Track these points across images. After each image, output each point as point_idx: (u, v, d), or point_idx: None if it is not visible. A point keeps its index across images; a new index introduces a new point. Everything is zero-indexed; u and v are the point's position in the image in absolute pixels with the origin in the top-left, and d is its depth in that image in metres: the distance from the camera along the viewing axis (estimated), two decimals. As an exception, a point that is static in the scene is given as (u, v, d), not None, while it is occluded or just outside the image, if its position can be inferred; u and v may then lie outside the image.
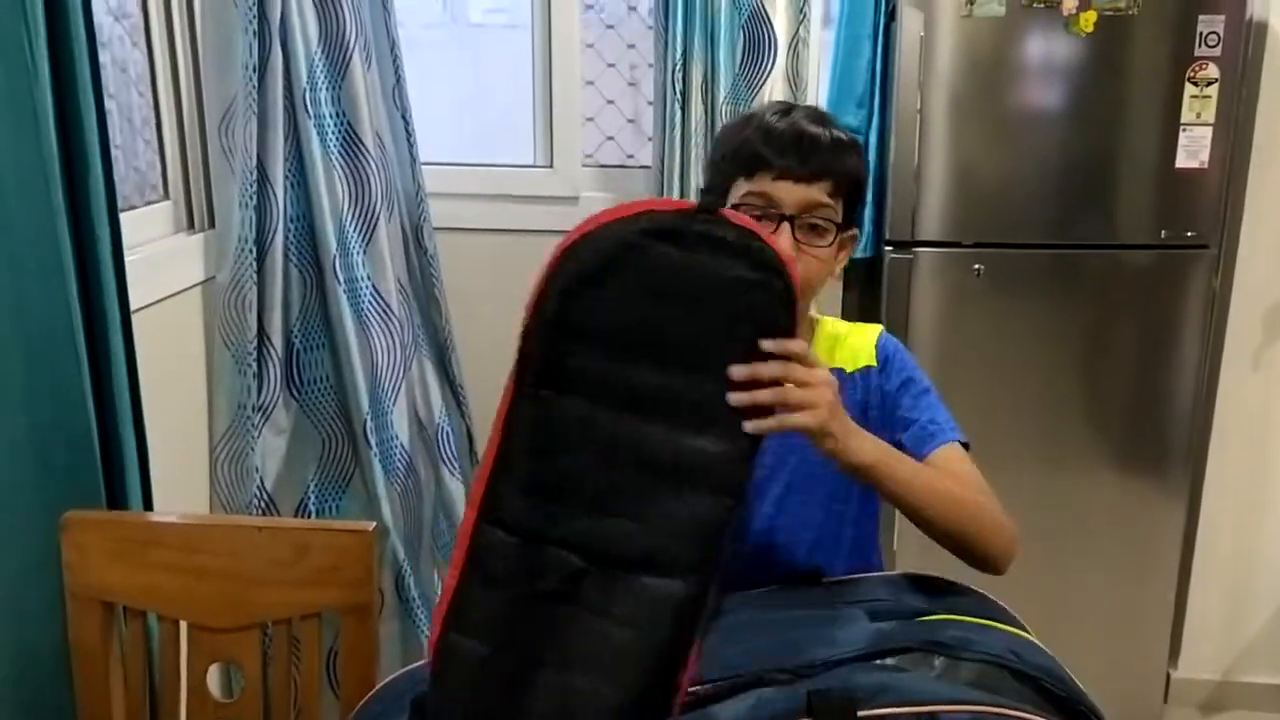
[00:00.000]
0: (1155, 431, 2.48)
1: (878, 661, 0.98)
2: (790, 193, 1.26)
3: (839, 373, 1.34)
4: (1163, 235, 2.36)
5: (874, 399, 1.35)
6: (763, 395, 0.93)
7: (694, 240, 0.93)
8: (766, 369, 0.93)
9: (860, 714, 0.87)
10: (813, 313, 1.44)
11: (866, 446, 1.11)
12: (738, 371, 0.93)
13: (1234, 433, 2.60)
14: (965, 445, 1.33)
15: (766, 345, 0.94)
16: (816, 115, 1.33)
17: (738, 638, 1.03)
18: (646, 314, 0.94)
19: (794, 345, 0.96)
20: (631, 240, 0.93)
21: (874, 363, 1.37)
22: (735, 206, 1.28)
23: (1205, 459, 2.61)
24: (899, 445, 1.27)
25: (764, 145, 1.28)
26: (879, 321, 2.15)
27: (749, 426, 0.93)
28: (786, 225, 1.25)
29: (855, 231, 1.35)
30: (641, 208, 0.95)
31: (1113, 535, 2.52)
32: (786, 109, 1.33)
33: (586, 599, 0.93)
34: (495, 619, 0.95)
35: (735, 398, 0.93)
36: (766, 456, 1.30)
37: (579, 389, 0.95)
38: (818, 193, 1.26)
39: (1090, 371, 2.47)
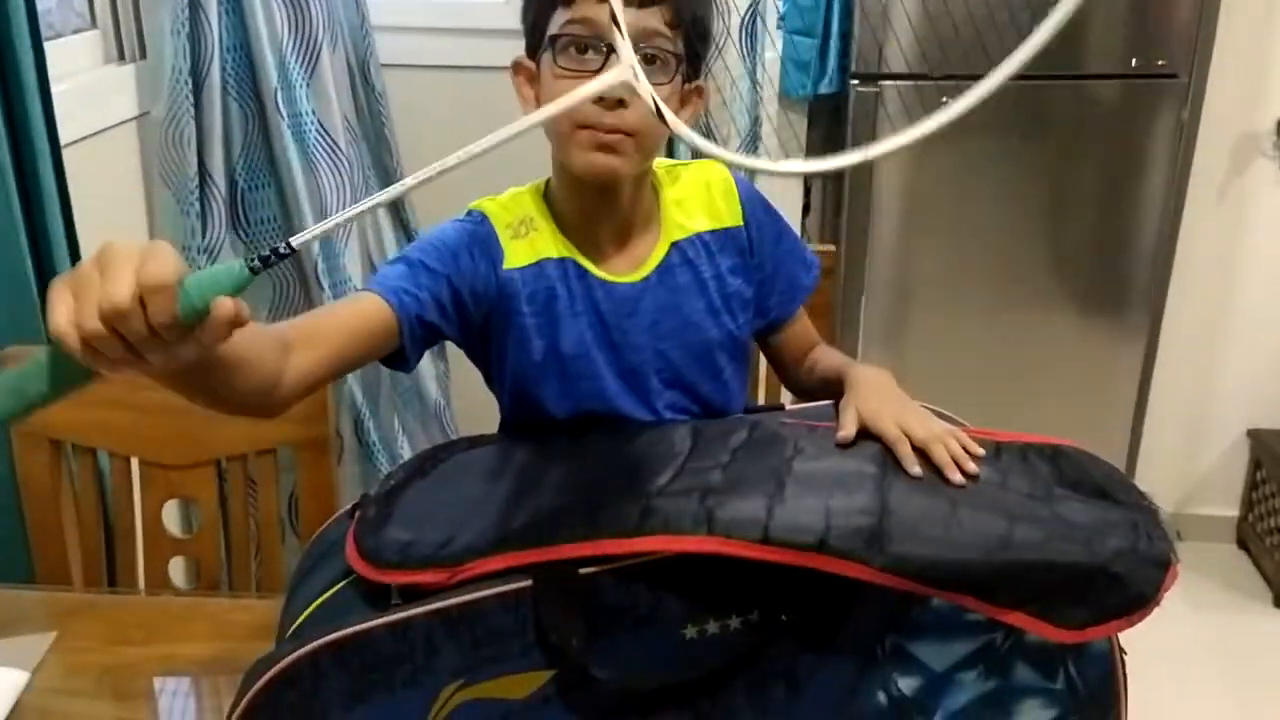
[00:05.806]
0: (1119, 267, 2.47)
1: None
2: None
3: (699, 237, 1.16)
4: (1133, 64, 2.30)
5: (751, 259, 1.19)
6: None
7: None
8: None
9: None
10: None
11: None
12: None
13: (1196, 267, 2.59)
14: None
15: None
16: None
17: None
18: None
19: None
20: None
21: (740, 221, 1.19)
22: (554, 39, 1.03)
23: (1165, 294, 2.60)
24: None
25: None
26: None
27: None
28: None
29: (701, 84, 1.12)
30: None
31: (1071, 371, 2.52)
32: None
33: None
34: None
35: None
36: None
37: None
38: (651, 18, 1.01)
39: (1057, 206, 2.43)
